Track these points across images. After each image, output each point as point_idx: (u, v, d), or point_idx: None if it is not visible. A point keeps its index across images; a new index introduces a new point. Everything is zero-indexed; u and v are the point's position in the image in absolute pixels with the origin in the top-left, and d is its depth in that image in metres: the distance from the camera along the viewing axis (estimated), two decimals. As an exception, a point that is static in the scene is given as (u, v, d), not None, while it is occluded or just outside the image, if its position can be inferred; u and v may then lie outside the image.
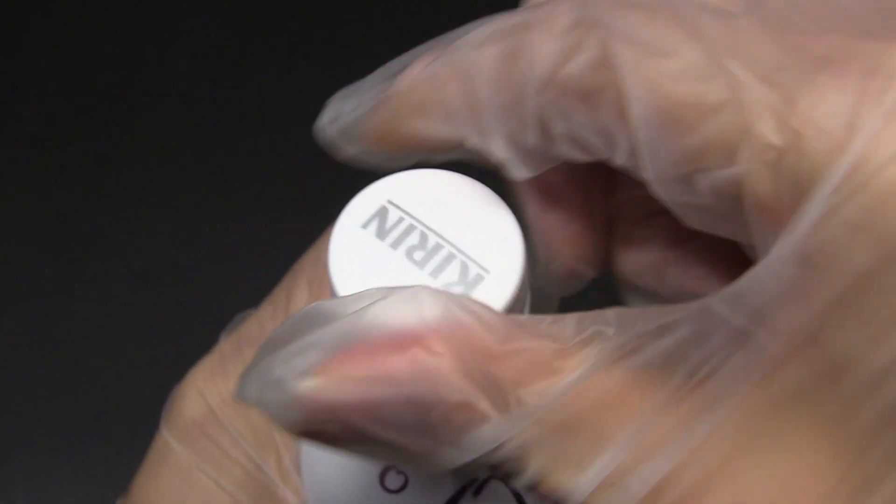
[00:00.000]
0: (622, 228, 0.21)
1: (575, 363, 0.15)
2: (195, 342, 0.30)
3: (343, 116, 0.19)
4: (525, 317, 0.16)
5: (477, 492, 0.22)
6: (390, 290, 0.15)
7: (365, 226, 0.19)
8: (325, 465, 0.24)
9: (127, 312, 0.52)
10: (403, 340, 0.14)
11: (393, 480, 0.22)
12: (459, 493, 0.22)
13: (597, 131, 0.16)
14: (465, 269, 0.18)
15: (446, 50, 0.18)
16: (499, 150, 0.17)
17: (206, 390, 0.27)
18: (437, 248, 0.19)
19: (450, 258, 0.19)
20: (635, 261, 0.21)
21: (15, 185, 0.55)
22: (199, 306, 0.52)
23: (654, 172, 0.15)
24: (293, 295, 0.28)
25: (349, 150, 0.19)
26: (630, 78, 0.15)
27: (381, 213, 0.19)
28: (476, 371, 0.14)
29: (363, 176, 0.20)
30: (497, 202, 0.19)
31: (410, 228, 0.19)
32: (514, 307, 0.18)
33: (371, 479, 0.22)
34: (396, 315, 0.15)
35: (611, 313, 0.15)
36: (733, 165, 0.14)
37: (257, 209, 0.55)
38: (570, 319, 0.15)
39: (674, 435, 0.14)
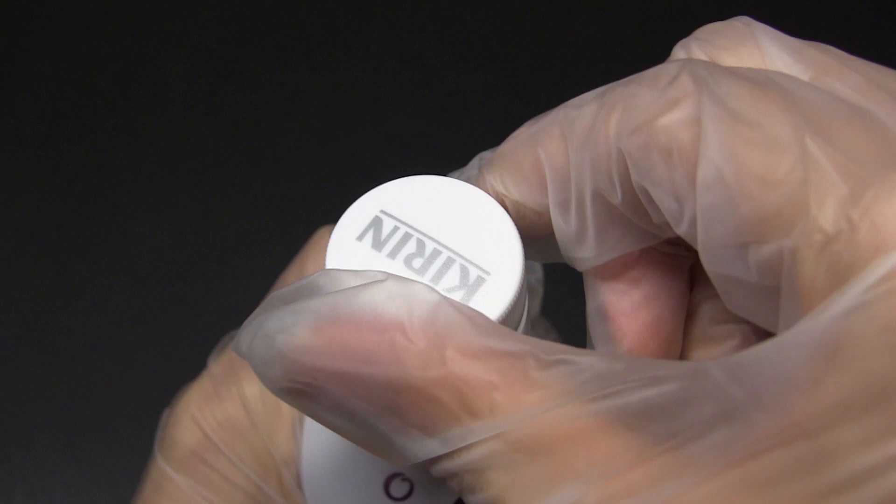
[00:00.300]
0: (698, 327, 0.20)
1: (554, 384, 0.14)
2: (195, 342, 0.30)
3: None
4: (515, 332, 0.16)
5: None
6: (392, 277, 0.16)
7: (360, 238, 0.19)
8: (329, 476, 0.24)
9: (126, 312, 0.52)
10: (388, 325, 0.15)
11: (398, 488, 0.22)
12: (461, 501, 0.22)
13: (670, 192, 0.15)
14: (465, 272, 0.18)
15: (551, 114, 0.18)
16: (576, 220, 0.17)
17: (201, 416, 0.27)
18: (436, 253, 0.19)
19: (449, 263, 0.19)
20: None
21: (15, 184, 0.55)
22: (198, 306, 0.52)
23: (706, 238, 0.15)
24: None
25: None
26: (710, 139, 0.15)
27: (376, 224, 0.19)
28: (454, 369, 0.15)
29: (364, 177, 0.20)
30: (490, 203, 0.19)
31: (407, 237, 0.19)
32: (517, 306, 0.18)
33: (376, 488, 0.22)
34: (387, 300, 0.15)
35: (602, 352, 0.15)
36: (784, 240, 0.14)
37: (257, 209, 0.55)
38: (559, 345, 0.15)
39: (640, 489, 0.13)
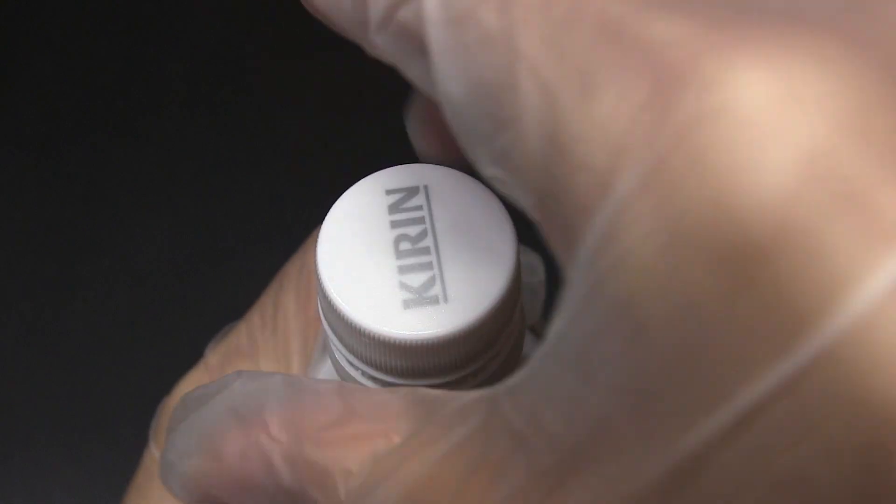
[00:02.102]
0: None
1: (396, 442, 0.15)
2: (195, 342, 0.30)
3: None
4: (359, 389, 0.16)
5: None
6: (248, 375, 0.16)
7: (389, 192, 0.19)
8: None
9: (126, 312, 0.52)
10: (251, 426, 0.15)
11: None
12: None
13: None
14: (429, 285, 0.18)
15: None
16: None
17: None
18: (425, 251, 0.19)
19: (426, 267, 0.18)
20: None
21: (14, 184, 0.55)
22: (198, 306, 0.52)
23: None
24: (280, 304, 0.28)
25: None
26: None
27: (411, 192, 0.19)
28: (309, 452, 0.15)
29: (364, 177, 0.20)
30: (504, 223, 0.19)
31: (420, 220, 0.19)
32: (476, 334, 0.18)
33: None
34: (247, 401, 0.16)
35: (421, 391, 0.15)
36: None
37: (257, 209, 0.55)
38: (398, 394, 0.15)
39: None
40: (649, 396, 0.11)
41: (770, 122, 0.10)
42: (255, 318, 0.28)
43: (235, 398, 0.16)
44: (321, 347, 0.26)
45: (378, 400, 0.15)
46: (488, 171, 0.14)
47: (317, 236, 0.29)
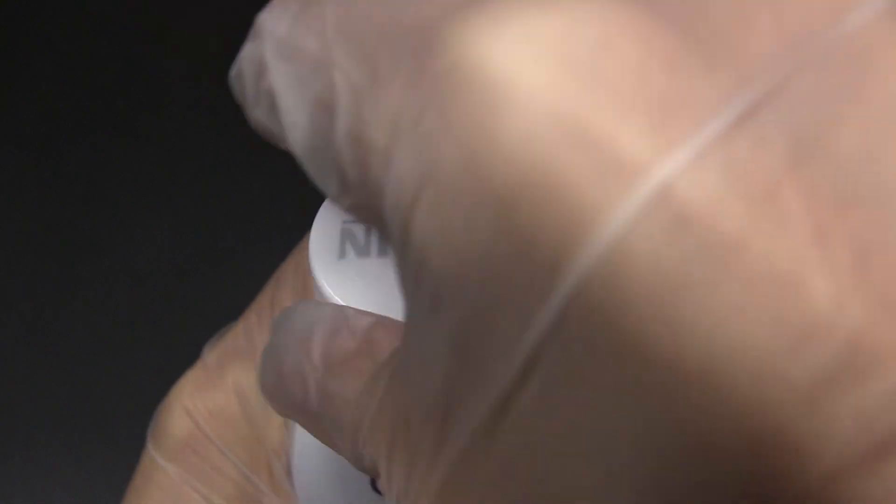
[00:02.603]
0: None
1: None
2: (195, 342, 0.30)
3: None
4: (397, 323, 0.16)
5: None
6: (305, 303, 0.17)
7: (341, 257, 0.20)
8: (317, 470, 0.24)
9: (126, 312, 0.52)
10: (299, 351, 0.16)
11: (386, 482, 0.22)
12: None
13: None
14: None
15: None
16: None
17: (192, 406, 0.27)
18: None
19: None
20: None
21: (14, 184, 0.55)
22: (198, 306, 0.52)
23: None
24: (278, 303, 0.28)
25: None
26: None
27: (347, 236, 0.20)
28: (328, 381, 0.15)
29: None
30: None
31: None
32: None
33: (363, 483, 0.22)
34: (304, 327, 0.16)
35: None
36: None
37: (257, 209, 0.55)
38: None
39: None
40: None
41: (504, 69, 0.10)
42: (253, 318, 0.28)
43: (296, 323, 0.16)
44: None
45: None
46: (340, 201, 0.14)
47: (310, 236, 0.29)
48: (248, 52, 0.15)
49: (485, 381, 0.11)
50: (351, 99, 0.12)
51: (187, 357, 0.30)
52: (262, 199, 0.55)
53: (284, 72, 0.14)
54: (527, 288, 0.10)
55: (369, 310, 0.18)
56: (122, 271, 0.53)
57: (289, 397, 0.16)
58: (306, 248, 0.29)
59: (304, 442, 0.25)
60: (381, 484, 0.14)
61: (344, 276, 0.19)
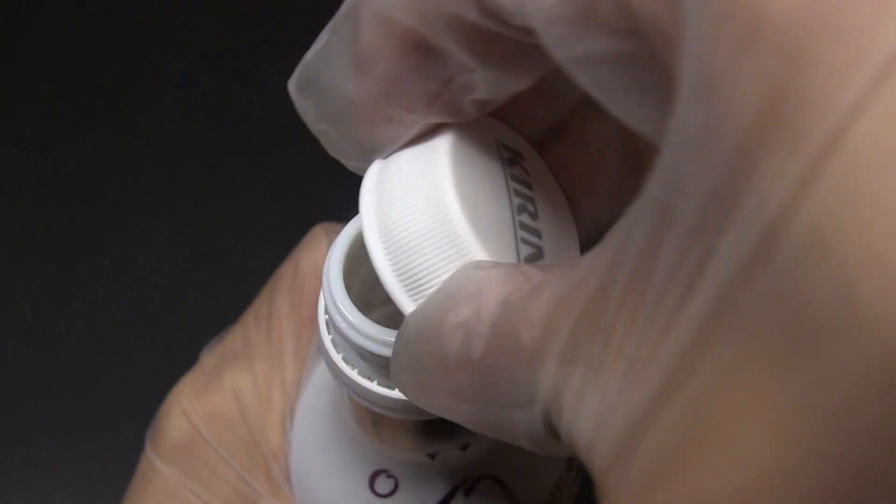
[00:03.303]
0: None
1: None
2: (195, 342, 0.30)
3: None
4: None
5: (468, 492, 0.22)
6: (475, 264, 0.17)
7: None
8: (315, 472, 0.24)
9: (126, 312, 0.52)
10: (462, 304, 0.16)
11: (383, 485, 0.22)
12: (450, 495, 0.22)
13: None
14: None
15: None
16: None
17: (191, 409, 0.27)
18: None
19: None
20: None
21: (14, 184, 0.55)
22: (198, 306, 0.52)
23: (539, 13, 0.14)
24: (274, 305, 0.28)
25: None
26: None
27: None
28: (502, 324, 0.15)
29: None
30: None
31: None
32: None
33: (360, 485, 0.22)
34: (468, 284, 0.16)
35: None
36: None
37: (257, 209, 0.55)
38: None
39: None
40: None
41: None
42: (250, 320, 0.28)
43: (458, 280, 0.16)
44: (315, 349, 0.26)
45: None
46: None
47: (311, 238, 0.29)
48: None
49: (748, 219, 0.11)
50: None
51: (187, 357, 0.30)
52: (262, 199, 0.55)
53: None
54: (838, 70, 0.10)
55: None
56: (122, 271, 0.53)
57: (448, 354, 0.16)
58: (303, 251, 0.29)
59: (302, 444, 0.25)
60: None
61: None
